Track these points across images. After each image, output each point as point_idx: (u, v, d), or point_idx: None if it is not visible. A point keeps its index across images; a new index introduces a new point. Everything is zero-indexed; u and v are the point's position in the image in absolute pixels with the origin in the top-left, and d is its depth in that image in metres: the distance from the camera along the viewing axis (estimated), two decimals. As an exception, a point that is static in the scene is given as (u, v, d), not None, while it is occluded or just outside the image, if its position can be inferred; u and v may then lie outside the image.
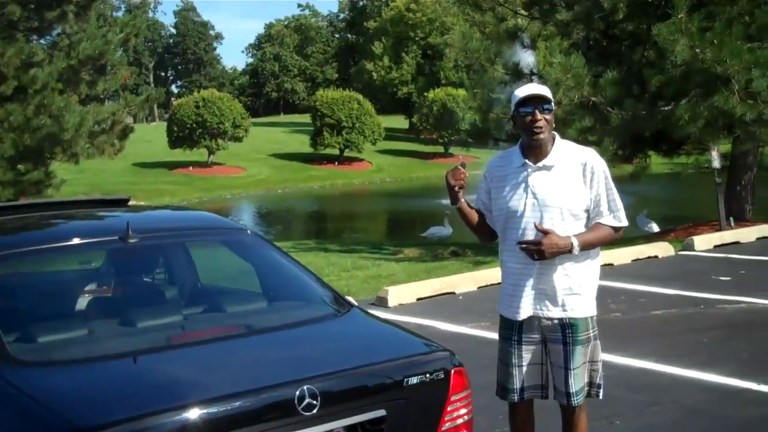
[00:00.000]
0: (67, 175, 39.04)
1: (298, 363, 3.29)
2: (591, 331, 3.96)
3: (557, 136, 3.99)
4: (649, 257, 11.80)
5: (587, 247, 3.88)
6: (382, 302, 9.35)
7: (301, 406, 2.97)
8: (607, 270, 11.00)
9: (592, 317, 3.97)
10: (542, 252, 3.79)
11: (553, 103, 3.92)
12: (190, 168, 47.47)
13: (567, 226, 3.87)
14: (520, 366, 4.02)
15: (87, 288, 4.33)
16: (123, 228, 3.77)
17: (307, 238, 23.78)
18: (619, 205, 3.92)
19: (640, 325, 7.94)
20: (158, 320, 3.60)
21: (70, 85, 18.85)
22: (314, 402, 2.99)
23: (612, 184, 3.91)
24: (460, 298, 9.71)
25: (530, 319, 3.96)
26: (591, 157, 3.92)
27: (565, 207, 3.88)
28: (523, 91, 3.92)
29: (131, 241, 3.75)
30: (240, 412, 2.91)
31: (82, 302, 4.06)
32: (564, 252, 3.82)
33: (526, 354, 4.01)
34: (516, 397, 4.08)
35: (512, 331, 4.04)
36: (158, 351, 3.35)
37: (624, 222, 3.92)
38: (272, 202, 40.39)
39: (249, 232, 4.31)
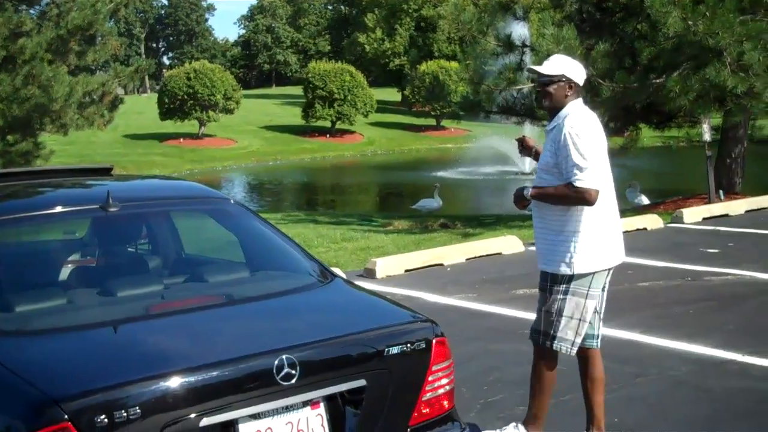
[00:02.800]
0: (56, 146, 38.81)
1: (277, 332, 3.27)
2: (549, 283, 4.33)
3: (570, 104, 4.31)
4: (638, 229, 11.81)
5: (540, 197, 4.32)
6: (370, 274, 9.33)
7: (280, 375, 2.95)
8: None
9: (559, 275, 4.28)
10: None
11: (554, 76, 4.30)
12: (181, 140, 47.22)
13: (547, 184, 4.33)
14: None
15: (71, 258, 4.30)
16: (104, 196, 3.73)
17: (298, 209, 23.75)
18: (577, 163, 4.12)
19: (627, 297, 7.94)
20: (139, 290, 3.55)
21: (59, 55, 18.67)
22: (293, 372, 2.97)
23: (576, 146, 4.14)
24: (449, 269, 9.70)
25: None
26: (566, 122, 4.24)
27: (543, 167, 4.37)
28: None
29: (112, 209, 3.71)
30: (218, 381, 2.88)
31: (64, 272, 4.02)
32: (519, 198, 4.38)
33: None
34: None
35: None
36: (137, 320, 3.32)
37: (576, 181, 4.12)
38: (263, 174, 40.27)
39: (232, 201, 4.26)
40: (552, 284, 4.31)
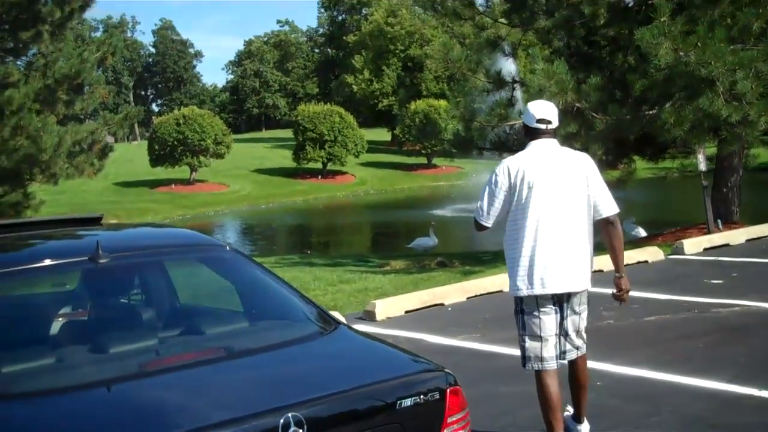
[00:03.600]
0: (47, 196, 38.60)
1: (281, 388, 3.07)
2: (513, 305, 4.88)
3: (528, 145, 4.90)
4: (639, 262, 11.64)
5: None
6: (369, 316, 9.14)
7: None
8: (597, 276, 10.72)
9: (514, 297, 4.83)
10: None
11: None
12: (173, 186, 47.11)
13: None
14: None
15: (61, 312, 4.10)
16: (93, 247, 3.55)
17: (292, 252, 23.56)
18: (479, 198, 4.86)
19: (634, 333, 7.76)
20: (132, 345, 3.35)
21: (47, 105, 18.59)
22: (300, 430, 2.78)
23: (485, 185, 4.86)
24: (449, 309, 9.51)
25: None
26: None
27: None
28: None
29: (102, 261, 3.52)
30: None
31: (53, 327, 3.82)
32: None
33: None
34: None
35: None
36: (131, 379, 3.12)
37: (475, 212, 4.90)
38: (256, 217, 40.12)
39: (228, 248, 4.07)
40: (514, 306, 4.85)
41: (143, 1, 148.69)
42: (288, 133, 59.97)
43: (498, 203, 4.77)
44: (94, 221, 4.42)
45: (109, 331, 3.60)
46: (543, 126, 4.80)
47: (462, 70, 14.75)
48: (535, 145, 4.82)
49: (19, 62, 19.15)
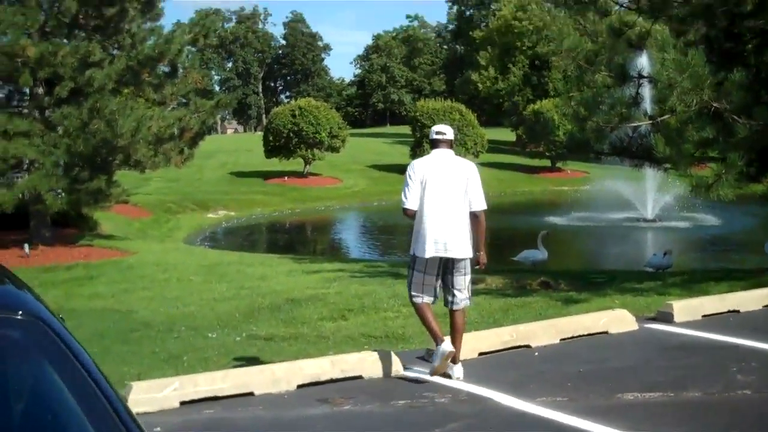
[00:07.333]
0: (160, 184, 38.45)
1: None
2: None
3: None
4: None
5: None
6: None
7: None
8: (731, 319, 8.60)
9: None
10: None
11: None
12: (286, 178, 46.19)
13: None
14: None
15: None
16: None
17: (382, 258, 21.86)
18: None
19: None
20: None
21: (131, 87, 17.57)
22: None
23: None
24: (536, 354, 7.54)
25: None
26: None
27: None
28: None
29: None
30: None
31: None
32: None
33: None
34: None
35: None
36: None
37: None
38: (365, 215, 38.68)
39: (20, 316, 2.18)
40: (410, 261, 6.75)
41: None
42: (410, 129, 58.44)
43: (414, 192, 6.59)
44: None
45: None
46: (440, 137, 6.75)
47: (578, 60, 12.65)
48: (435, 153, 6.75)
49: (107, 42, 18.09)
